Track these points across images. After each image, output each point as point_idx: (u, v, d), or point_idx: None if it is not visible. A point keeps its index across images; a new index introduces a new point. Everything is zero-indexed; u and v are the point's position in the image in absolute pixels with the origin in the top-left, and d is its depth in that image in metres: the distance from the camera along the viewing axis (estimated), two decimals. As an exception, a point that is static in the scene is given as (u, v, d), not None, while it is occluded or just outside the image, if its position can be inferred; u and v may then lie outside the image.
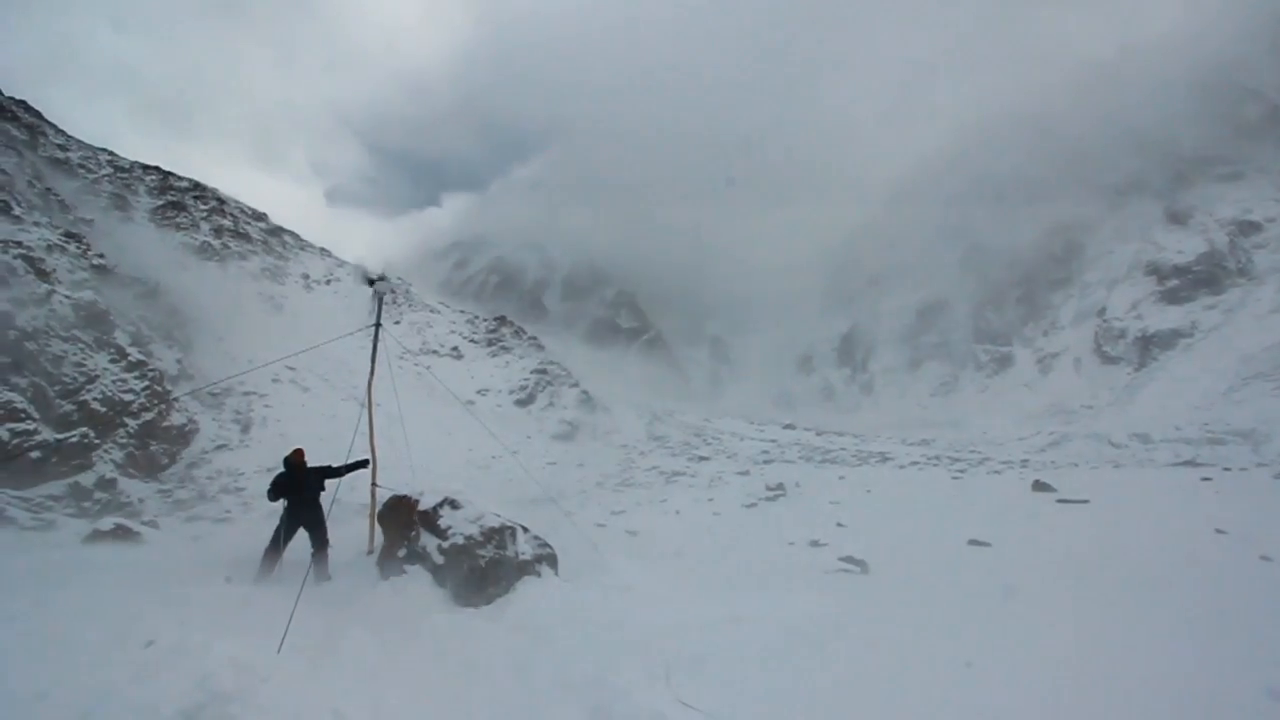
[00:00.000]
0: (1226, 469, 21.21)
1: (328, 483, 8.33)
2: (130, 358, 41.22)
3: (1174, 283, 72.07)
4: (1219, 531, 9.37)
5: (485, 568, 6.88)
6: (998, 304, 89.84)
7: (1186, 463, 35.69)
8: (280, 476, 8.03)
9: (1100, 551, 8.93)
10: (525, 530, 7.58)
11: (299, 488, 7.98)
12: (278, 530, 7.77)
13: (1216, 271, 70.48)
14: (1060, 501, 13.87)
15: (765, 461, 45.69)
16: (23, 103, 57.74)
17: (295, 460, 8.15)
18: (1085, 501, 13.43)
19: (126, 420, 37.66)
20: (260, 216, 74.03)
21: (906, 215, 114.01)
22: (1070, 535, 10.62)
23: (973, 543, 9.79)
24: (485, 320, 77.69)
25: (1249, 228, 73.48)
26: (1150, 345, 68.16)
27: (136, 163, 66.96)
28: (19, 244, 39.63)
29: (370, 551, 8.00)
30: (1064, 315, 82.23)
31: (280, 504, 8.00)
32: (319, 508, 8.04)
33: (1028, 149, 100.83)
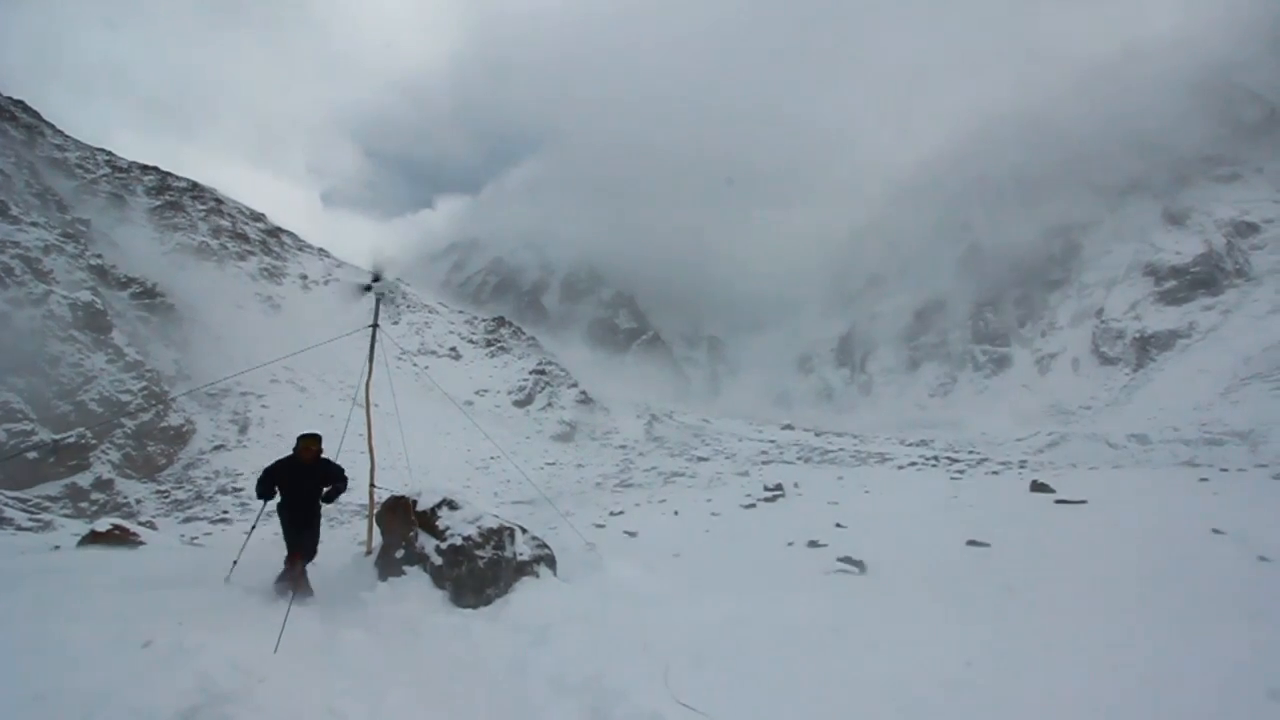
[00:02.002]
0: (1224, 470, 21.25)
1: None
2: (128, 358, 41.20)
3: (1172, 283, 72.30)
4: (1216, 532, 9.38)
5: (483, 568, 6.88)
6: (996, 305, 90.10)
7: (1184, 463, 35.81)
8: (278, 464, 6.91)
9: (1098, 552, 8.94)
10: (523, 531, 7.59)
11: (300, 481, 6.91)
12: (285, 535, 6.93)
13: (1214, 272, 70.70)
14: (1059, 502, 13.88)
15: (764, 462, 45.79)
16: (20, 102, 57.80)
17: (305, 449, 6.96)
18: (1083, 502, 13.44)
19: (124, 421, 37.64)
20: (258, 217, 74.11)
21: (905, 216, 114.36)
22: (1069, 536, 10.63)
23: (971, 543, 9.79)
24: (484, 321, 77.84)
25: (1247, 229, 73.71)
26: (1148, 346, 68.37)
27: (134, 163, 67.04)
28: (16, 244, 39.64)
29: (368, 552, 7.99)
30: (1062, 316, 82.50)
31: (273, 504, 6.94)
32: (316, 509, 7.01)
33: (1027, 150, 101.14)
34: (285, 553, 6.95)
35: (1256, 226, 73.61)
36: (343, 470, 7.20)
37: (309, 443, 7.01)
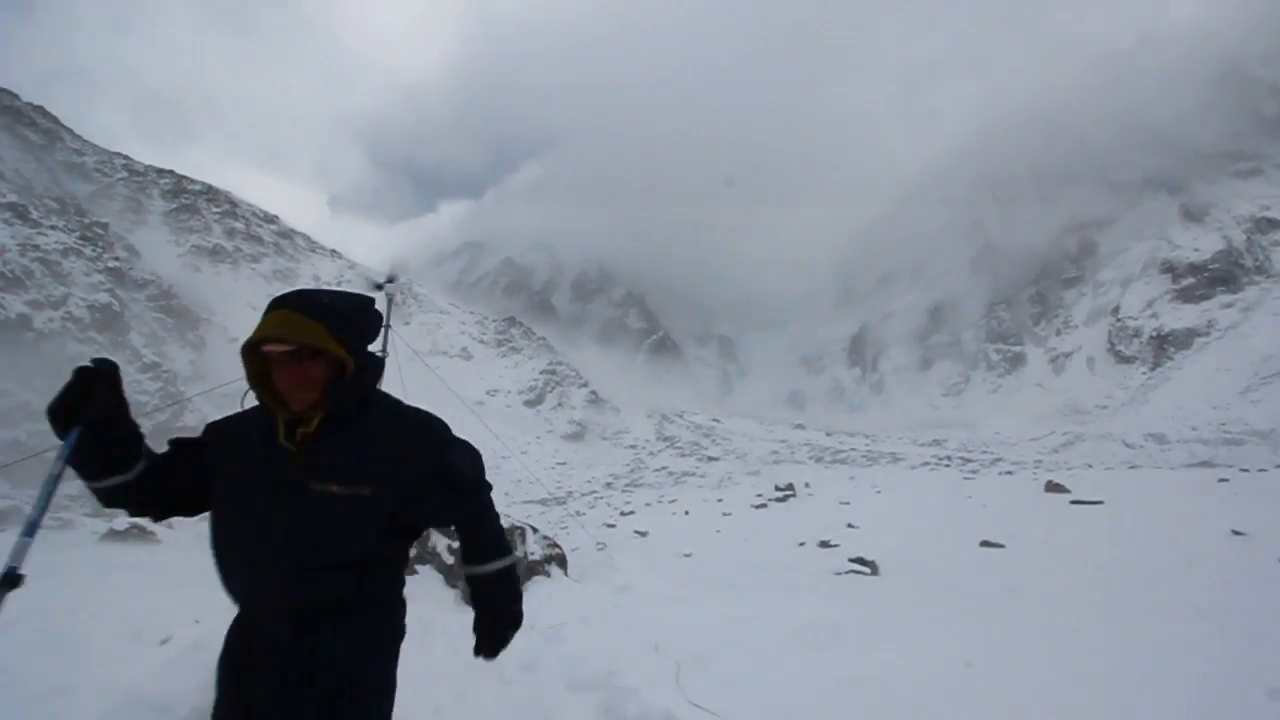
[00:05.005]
0: (1244, 470, 20.87)
1: None
2: (145, 359, 41.76)
3: (1189, 281, 71.25)
4: (1236, 533, 9.24)
5: (495, 567, 6.92)
6: (1010, 303, 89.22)
7: (1203, 463, 35.32)
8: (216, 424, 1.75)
9: (1115, 554, 8.84)
10: (535, 530, 7.62)
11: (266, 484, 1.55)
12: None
13: (1233, 269, 69.61)
14: (1074, 503, 13.74)
15: (775, 462, 45.65)
16: (40, 108, 58.71)
17: (269, 335, 1.52)
18: (1099, 503, 13.28)
19: (141, 421, 38.20)
20: (271, 219, 74.83)
21: (917, 213, 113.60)
22: (1084, 537, 10.51)
23: (985, 544, 9.71)
24: (495, 321, 78.17)
25: (1267, 224, 72.52)
26: (1165, 344, 67.42)
27: (151, 167, 67.90)
28: (36, 247, 40.28)
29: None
30: (1077, 314, 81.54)
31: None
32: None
33: (1041, 145, 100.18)
34: None
35: (1277, 222, 72.41)
36: (464, 446, 1.74)
37: (279, 319, 1.54)
